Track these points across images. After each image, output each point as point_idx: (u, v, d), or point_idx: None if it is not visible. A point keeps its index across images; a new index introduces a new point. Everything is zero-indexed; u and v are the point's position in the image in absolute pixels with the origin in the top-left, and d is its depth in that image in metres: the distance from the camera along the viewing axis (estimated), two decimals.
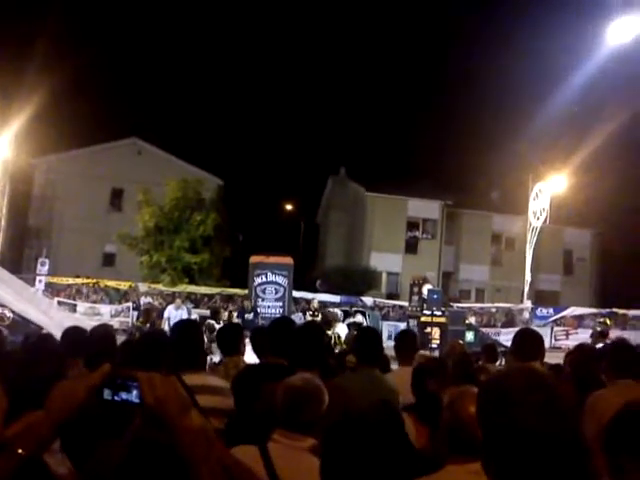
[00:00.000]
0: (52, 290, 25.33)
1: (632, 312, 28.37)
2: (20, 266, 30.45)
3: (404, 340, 5.66)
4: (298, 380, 2.80)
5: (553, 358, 6.44)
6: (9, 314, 12.98)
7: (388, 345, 5.88)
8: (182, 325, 4.38)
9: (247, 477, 1.67)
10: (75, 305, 25.06)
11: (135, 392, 1.48)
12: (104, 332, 4.36)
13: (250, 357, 5.16)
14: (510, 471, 1.47)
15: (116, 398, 1.49)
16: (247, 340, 5.65)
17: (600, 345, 8.01)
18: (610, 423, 1.97)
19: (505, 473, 1.49)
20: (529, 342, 4.21)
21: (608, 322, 26.44)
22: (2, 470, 1.38)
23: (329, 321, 10.86)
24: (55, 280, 26.72)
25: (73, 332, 4.34)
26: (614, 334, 16.59)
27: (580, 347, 4.60)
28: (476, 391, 2.51)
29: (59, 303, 23.92)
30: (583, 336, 21.97)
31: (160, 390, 1.46)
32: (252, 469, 1.83)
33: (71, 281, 27.50)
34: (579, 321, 28.64)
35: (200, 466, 1.44)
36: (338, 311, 13.78)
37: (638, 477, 1.81)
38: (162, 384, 1.48)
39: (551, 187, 28.59)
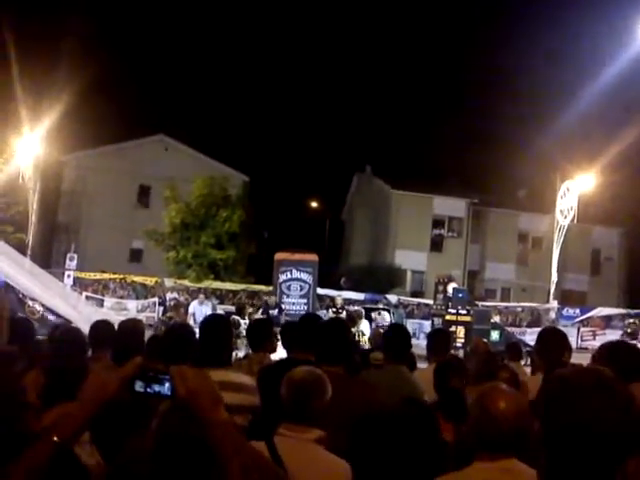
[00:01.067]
0: (80, 285, 25.66)
1: None
2: (50, 261, 30.91)
3: (436, 339, 5.57)
4: (301, 372, 2.79)
5: (580, 359, 6.35)
6: (39, 308, 13.20)
7: (412, 343, 5.83)
8: (210, 320, 4.32)
9: (271, 471, 1.68)
10: (102, 300, 25.39)
11: (167, 384, 1.50)
12: (132, 326, 4.40)
13: (280, 353, 5.16)
14: (565, 469, 1.47)
15: (148, 390, 1.52)
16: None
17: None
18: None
19: (560, 470, 1.48)
20: (552, 341, 4.18)
21: (638, 323, 26.10)
22: (39, 455, 1.42)
23: (353, 318, 10.87)
24: (83, 275, 27.09)
25: (101, 326, 4.39)
26: None
27: (605, 347, 4.53)
28: (505, 387, 2.50)
29: (87, 298, 24.26)
30: (611, 337, 21.65)
31: (192, 382, 1.48)
32: (272, 463, 1.86)
33: (99, 276, 27.86)
34: (607, 322, 28.26)
35: (232, 459, 1.45)
36: (361, 308, 13.78)
37: None
38: (194, 377, 1.50)
39: (579, 185, 28.20)
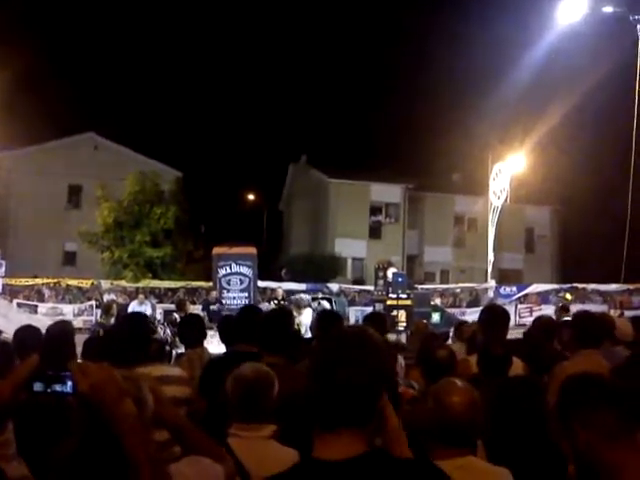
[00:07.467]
0: (10, 292, 24.67)
1: (591, 286, 29.05)
2: None
3: (371, 323, 5.45)
4: (247, 370, 2.73)
5: (519, 335, 6.49)
6: None
7: None
8: (128, 317, 4.44)
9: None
10: (36, 306, 24.54)
11: (69, 383, 1.44)
12: (60, 329, 4.20)
13: (218, 347, 5.10)
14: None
15: (49, 390, 1.45)
16: (213, 331, 5.53)
17: (565, 319, 8.12)
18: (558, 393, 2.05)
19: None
20: (494, 317, 4.27)
21: (568, 297, 27.11)
22: None
23: (291, 310, 10.77)
24: (13, 282, 25.99)
25: (24, 331, 4.18)
26: (575, 308, 16.94)
27: (536, 320, 4.73)
28: (459, 382, 2.51)
29: (18, 305, 23.40)
30: (547, 312, 22.31)
31: (95, 377, 1.43)
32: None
33: (31, 282, 26.85)
34: (542, 297, 29.14)
35: (139, 453, 1.41)
36: (304, 297, 13.69)
37: (586, 434, 1.86)
38: (96, 371, 1.44)
39: (510, 166, 28.88)
